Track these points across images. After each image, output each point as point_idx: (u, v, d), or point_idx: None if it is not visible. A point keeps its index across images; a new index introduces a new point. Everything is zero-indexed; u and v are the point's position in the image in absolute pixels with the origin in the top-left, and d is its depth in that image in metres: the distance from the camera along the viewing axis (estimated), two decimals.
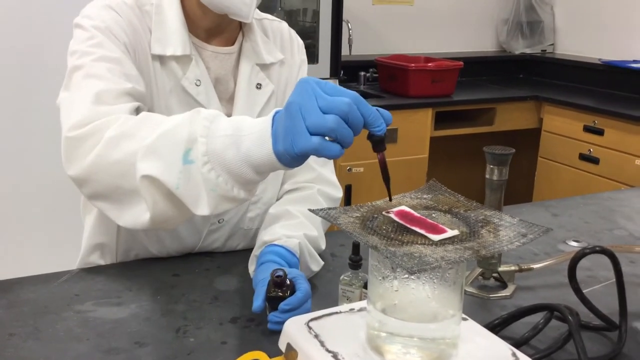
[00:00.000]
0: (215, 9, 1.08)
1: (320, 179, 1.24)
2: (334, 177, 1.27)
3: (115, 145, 0.87)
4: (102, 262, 1.22)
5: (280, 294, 0.92)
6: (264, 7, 1.27)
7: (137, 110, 1.00)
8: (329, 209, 0.78)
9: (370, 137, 0.77)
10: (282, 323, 0.83)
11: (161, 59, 1.11)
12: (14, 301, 1.03)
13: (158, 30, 1.10)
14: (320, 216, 0.76)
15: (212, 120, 0.80)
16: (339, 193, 1.26)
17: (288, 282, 0.93)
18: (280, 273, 0.91)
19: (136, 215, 0.88)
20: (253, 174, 0.79)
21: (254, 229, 1.24)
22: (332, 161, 1.30)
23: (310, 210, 0.79)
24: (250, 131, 0.78)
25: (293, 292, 0.92)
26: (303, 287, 0.93)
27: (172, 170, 0.80)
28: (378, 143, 0.77)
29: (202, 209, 0.80)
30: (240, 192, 0.80)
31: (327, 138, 0.74)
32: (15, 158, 2.29)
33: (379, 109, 0.77)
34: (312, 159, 1.03)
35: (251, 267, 1.09)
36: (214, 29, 1.15)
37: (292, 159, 0.75)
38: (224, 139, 0.78)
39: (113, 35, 1.04)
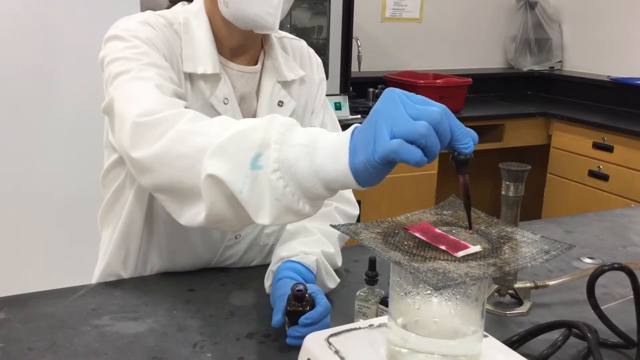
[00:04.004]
0: (241, 24, 1.09)
1: (338, 197, 1.23)
2: (351, 195, 1.27)
3: (184, 139, 0.84)
4: (123, 273, 1.22)
5: (300, 308, 0.92)
6: None
7: None
8: (350, 224, 0.78)
9: (456, 156, 0.71)
10: (302, 337, 0.82)
11: (191, 77, 1.11)
12: (32, 316, 1.03)
13: (188, 49, 1.11)
14: (341, 232, 0.76)
15: (288, 127, 0.76)
16: (356, 210, 1.26)
17: (308, 296, 0.93)
18: (301, 287, 0.91)
19: (194, 213, 0.85)
20: (323, 190, 0.74)
21: (270, 245, 1.25)
22: None
23: (332, 225, 0.78)
24: (326, 143, 0.74)
25: (313, 306, 0.92)
26: (323, 301, 0.93)
27: (239, 173, 0.76)
28: (463, 163, 0.72)
29: (263, 218, 0.77)
30: (305, 207, 0.75)
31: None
32: (31, 174, 2.29)
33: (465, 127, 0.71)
34: None
35: (267, 283, 1.09)
36: (239, 48, 1.16)
37: (372, 169, 0.69)
38: (299, 149, 0.74)
39: (155, 46, 1.05)
